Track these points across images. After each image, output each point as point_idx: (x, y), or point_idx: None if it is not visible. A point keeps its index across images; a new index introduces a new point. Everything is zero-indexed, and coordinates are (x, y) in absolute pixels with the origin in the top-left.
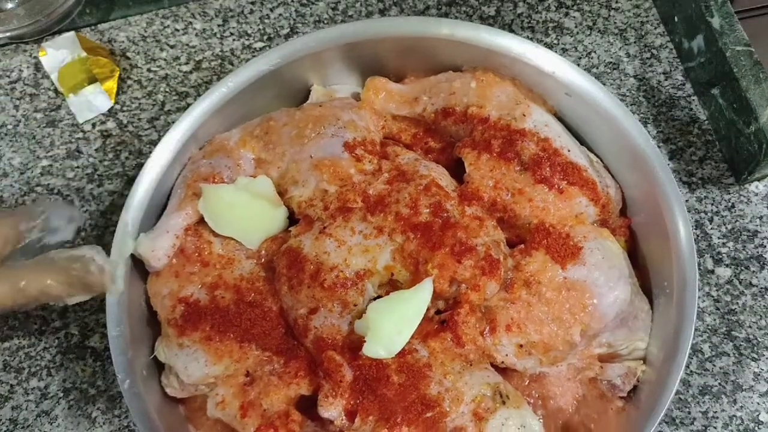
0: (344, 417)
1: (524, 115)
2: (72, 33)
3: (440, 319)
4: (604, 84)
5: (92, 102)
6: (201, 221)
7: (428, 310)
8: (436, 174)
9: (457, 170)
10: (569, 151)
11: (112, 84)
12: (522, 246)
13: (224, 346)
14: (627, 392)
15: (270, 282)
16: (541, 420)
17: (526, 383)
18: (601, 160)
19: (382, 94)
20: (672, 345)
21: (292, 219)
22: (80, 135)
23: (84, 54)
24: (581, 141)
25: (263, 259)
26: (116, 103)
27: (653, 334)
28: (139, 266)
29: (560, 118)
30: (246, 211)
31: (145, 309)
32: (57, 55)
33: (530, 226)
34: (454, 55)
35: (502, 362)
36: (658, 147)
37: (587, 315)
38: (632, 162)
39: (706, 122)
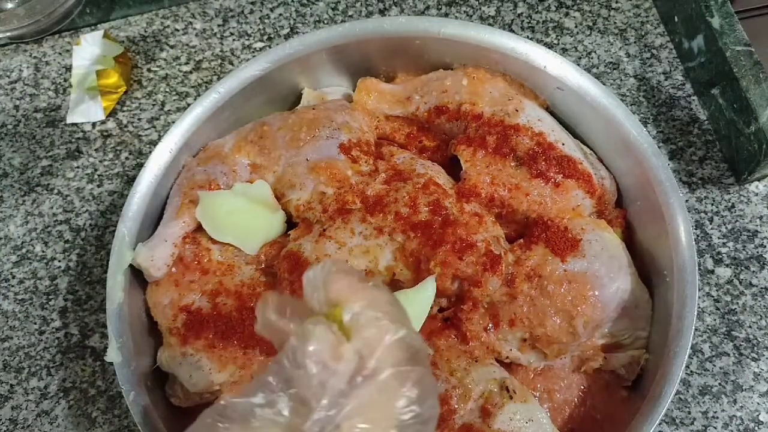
0: None
1: (517, 111)
2: (115, 44)
3: (444, 317)
4: (604, 84)
5: (87, 109)
6: (199, 229)
7: (431, 308)
8: (433, 172)
9: (452, 168)
10: (563, 144)
11: (113, 98)
12: (521, 240)
13: (228, 352)
14: (631, 381)
15: (271, 287)
16: (548, 413)
17: (531, 377)
18: (595, 153)
19: (374, 94)
20: (675, 330)
21: (290, 223)
22: (80, 135)
23: (105, 66)
24: (573, 134)
25: (263, 264)
26: (116, 103)
27: (655, 321)
28: (137, 276)
29: (552, 112)
30: (244, 217)
31: (145, 319)
32: (89, 51)
33: (528, 220)
34: (443, 54)
35: (507, 357)
36: (658, 147)
37: (589, 306)
38: (624, 149)
39: (706, 122)
